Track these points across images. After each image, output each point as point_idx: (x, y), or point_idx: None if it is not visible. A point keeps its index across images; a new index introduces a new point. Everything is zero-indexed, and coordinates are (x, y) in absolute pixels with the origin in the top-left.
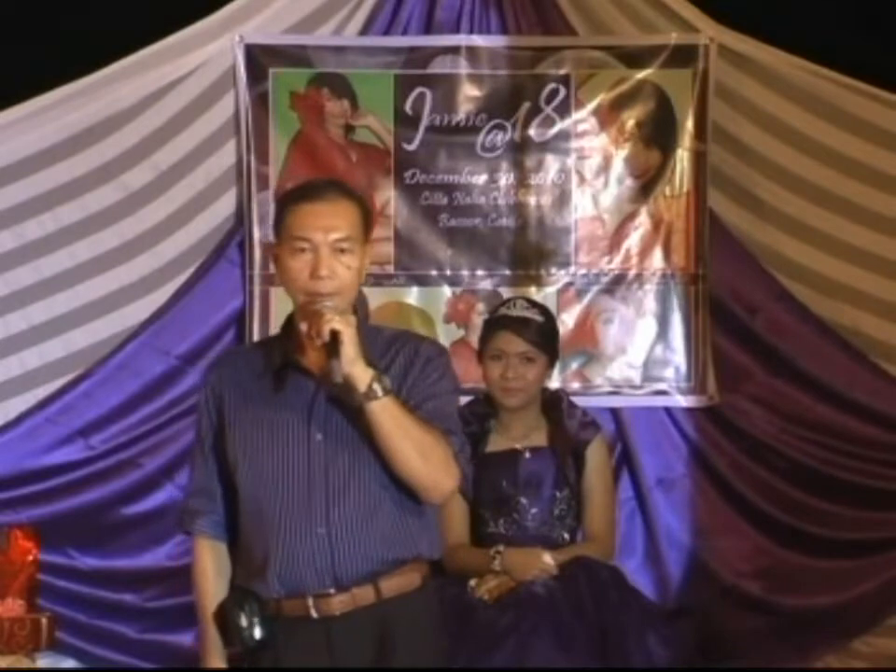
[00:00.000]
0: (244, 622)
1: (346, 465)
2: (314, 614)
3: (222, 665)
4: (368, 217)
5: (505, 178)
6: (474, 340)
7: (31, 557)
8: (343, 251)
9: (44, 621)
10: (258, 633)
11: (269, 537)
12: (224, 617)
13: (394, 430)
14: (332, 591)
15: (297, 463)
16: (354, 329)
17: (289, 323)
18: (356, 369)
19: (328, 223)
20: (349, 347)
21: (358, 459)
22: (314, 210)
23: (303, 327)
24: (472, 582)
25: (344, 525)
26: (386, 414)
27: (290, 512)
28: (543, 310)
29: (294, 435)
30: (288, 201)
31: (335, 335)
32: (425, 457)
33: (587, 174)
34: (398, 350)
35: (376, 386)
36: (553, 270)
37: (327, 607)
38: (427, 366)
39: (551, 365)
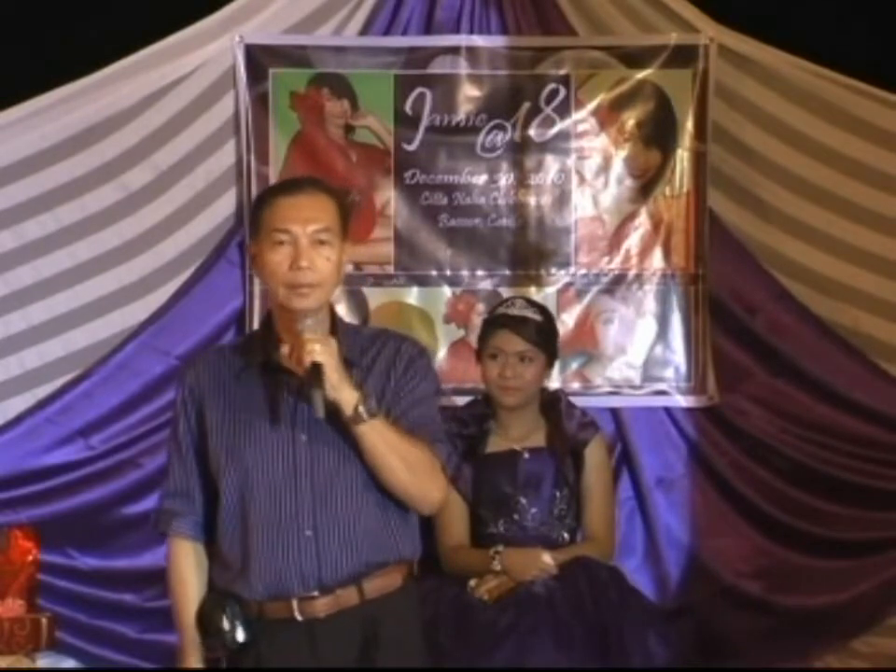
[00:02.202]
0: (226, 624)
1: (331, 466)
2: (298, 617)
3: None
4: (346, 214)
5: (505, 178)
6: (474, 340)
7: (31, 557)
8: (322, 242)
9: (44, 621)
10: (240, 635)
11: (253, 539)
12: (204, 619)
13: (382, 450)
14: (316, 593)
15: (282, 464)
16: (335, 358)
17: (269, 320)
18: (341, 394)
19: (306, 215)
20: (332, 375)
21: (343, 460)
22: (292, 203)
23: (285, 350)
24: (472, 583)
25: (331, 527)
26: (374, 435)
27: (276, 515)
28: (542, 309)
29: (279, 436)
30: (266, 197)
31: (317, 369)
32: (413, 472)
33: (587, 174)
34: (378, 350)
35: (361, 409)
36: (553, 270)
37: (311, 609)
38: (410, 368)
39: (549, 365)
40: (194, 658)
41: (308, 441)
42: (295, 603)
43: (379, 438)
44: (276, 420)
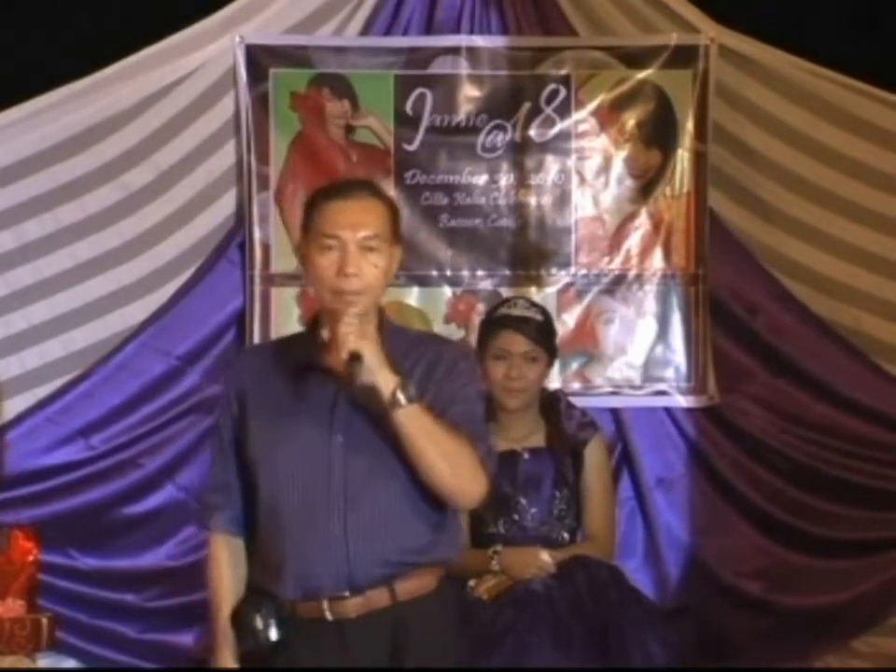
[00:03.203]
0: (259, 623)
1: (366, 468)
2: (328, 616)
3: (234, 663)
4: (396, 219)
5: (505, 179)
6: (475, 340)
7: (31, 557)
8: (370, 249)
9: (44, 621)
10: (273, 634)
11: (285, 537)
12: (239, 618)
13: (420, 438)
14: (347, 594)
15: (316, 465)
16: (373, 343)
17: (315, 322)
18: (379, 378)
19: (356, 220)
20: (370, 360)
21: (378, 463)
22: (342, 207)
23: (325, 334)
24: (472, 583)
25: (361, 529)
26: (412, 422)
27: (308, 514)
28: (542, 309)
29: (315, 436)
30: (318, 199)
31: (355, 355)
32: (452, 464)
33: (587, 174)
34: (422, 352)
35: (400, 395)
36: (554, 270)
37: (342, 609)
38: (454, 369)
39: (550, 364)
40: (228, 654)
41: (344, 443)
42: (326, 603)
43: (418, 425)
44: (314, 420)
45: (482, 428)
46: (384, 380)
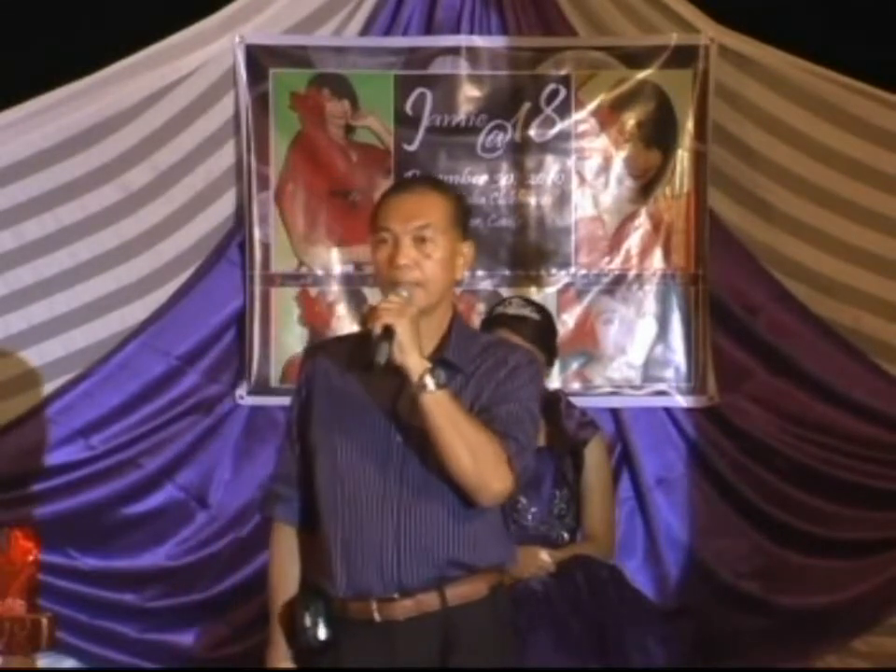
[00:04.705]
0: (308, 621)
1: (422, 470)
2: (377, 618)
3: (285, 661)
4: (460, 213)
5: (505, 179)
6: None
7: (31, 557)
8: (423, 240)
9: (44, 621)
10: (322, 633)
11: (338, 534)
12: (291, 615)
13: (444, 425)
14: (397, 596)
15: (374, 463)
16: (410, 323)
17: None
18: (409, 359)
19: (408, 212)
20: (403, 337)
21: (434, 464)
22: (397, 201)
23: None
24: None
25: (413, 531)
26: (438, 408)
27: (362, 513)
28: (540, 308)
29: (374, 435)
30: (382, 196)
31: (388, 329)
32: (474, 456)
33: (587, 174)
34: (490, 354)
35: (428, 379)
36: (554, 270)
37: (390, 611)
38: (513, 373)
39: (549, 364)
40: (279, 648)
41: (403, 443)
42: (375, 604)
43: (443, 412)
44: (374, 419)
45: (521, 429)
46: (413, 363)
